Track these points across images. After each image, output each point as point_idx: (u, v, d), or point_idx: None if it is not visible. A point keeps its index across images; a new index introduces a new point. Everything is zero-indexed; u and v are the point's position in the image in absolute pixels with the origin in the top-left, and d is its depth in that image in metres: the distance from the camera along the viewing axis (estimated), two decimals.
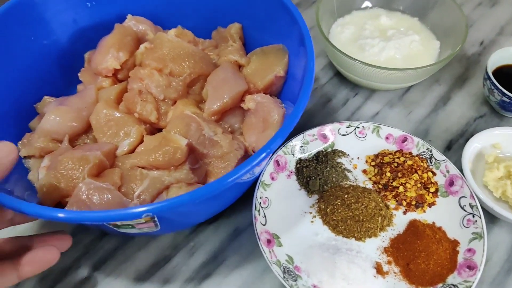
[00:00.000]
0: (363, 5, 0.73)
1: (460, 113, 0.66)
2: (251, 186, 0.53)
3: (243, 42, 0.63)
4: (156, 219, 0.42)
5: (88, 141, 0.55)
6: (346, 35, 0.69)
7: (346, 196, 0.52)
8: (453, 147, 0.62)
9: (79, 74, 0.59)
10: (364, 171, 0.57)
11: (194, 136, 0.51)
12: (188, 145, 0.49)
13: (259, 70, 0.57)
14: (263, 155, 0.40)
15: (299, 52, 0.51)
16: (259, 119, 0.54)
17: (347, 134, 0.59)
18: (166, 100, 0.55)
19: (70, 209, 0.45)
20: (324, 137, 0.58)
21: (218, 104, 0.53)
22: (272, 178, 0.54)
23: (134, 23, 0.62)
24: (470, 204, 0.51)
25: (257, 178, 0.53)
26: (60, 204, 0.48)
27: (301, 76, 0.49)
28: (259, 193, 0.52)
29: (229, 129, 0.56)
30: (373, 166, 0.57)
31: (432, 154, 0.56)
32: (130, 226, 0.43)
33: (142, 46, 0.58)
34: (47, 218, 0.37)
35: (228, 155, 0.51)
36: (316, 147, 0.58)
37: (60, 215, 0.37)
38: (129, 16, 0.61)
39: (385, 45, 0.66)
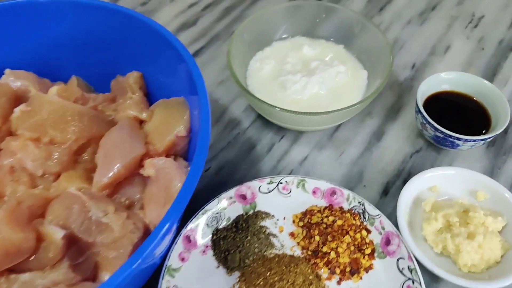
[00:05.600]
0: (284, 35, 0.66)
1: (395, 149, 0.60)
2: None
3: (145, 92, 0.55)
4: None
5: None
6: (266, 72, 0.61)
7: (268, 273, 0.44)
8: (390, 191, 0.56)
9: None
10: (292, 234, 0.50)
11: (76, 222, 0.42)
12: (66, 236, 0.40)
13: (159, 128, 0.49)
14: (154, 243, 0.33)
15: (195, 103, 0.44)
16: (161, 188, 0.45)
17: (269, 192, 0.51)
18: (46, 176, 0.46)
19: None
20: (244, 198, 0.51)
21: (109, 175, 0.45)
22: (182, 259, 0.46)
23: (13, 79, 0.52)
24: (408, 267, 0.45)
25: (163, 259, 0.45)
26: None
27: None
28: (165, 283, 0.43)
29: (127, 201, 0.47)
30: (301, 227, 0.50)
31: (364, 208, 0.49)
32: None
33: (17, 109, 0.49)
34: None
35: (121, 241, 0.42)
36: (236, 210, 0.50)
37: None
38: (7, 71, 0.53)
39: (308, 80, 0.59)
